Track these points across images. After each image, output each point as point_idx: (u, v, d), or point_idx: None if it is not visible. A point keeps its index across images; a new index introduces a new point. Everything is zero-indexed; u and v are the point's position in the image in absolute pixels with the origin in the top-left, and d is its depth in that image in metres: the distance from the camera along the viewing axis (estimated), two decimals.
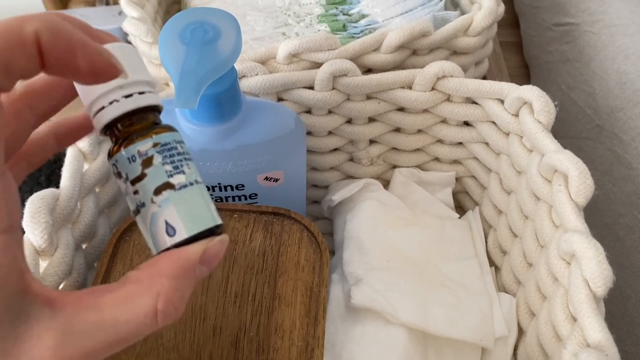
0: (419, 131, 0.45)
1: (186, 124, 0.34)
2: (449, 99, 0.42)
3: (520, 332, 0.37)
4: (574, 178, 0.32)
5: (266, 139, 0.35)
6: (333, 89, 0.41)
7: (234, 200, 0.38)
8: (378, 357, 0.34)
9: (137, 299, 0.19)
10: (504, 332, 0.37)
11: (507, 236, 0.41)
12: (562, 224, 0.33)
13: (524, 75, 0.71)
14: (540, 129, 0.36)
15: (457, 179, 0.48)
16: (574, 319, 0.30)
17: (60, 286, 0.32)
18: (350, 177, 0.48)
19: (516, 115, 0.39)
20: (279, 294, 0.33)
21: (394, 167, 0.48)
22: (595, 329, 0.28)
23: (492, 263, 0.43)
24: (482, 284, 0.40)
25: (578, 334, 0.28)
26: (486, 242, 0.44)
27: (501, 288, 0.41)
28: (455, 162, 0.47)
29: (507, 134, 0.41)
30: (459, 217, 0.46)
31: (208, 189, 0.37)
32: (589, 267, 0.29)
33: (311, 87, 0.41)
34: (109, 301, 0.19)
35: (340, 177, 0.48)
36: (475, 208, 0.46)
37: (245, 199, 0.38)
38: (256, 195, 0.38)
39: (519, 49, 0.74)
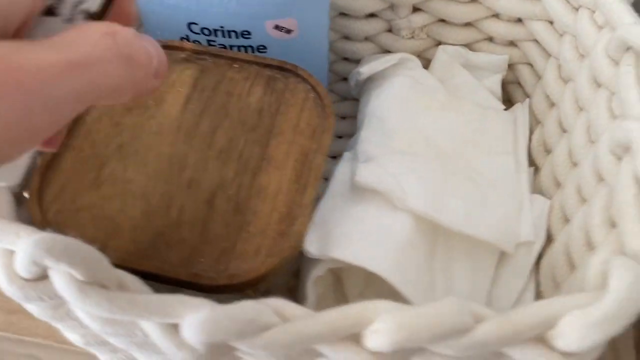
0: (473, 0, 0.38)
1: None
2: None
3: (550, 240, 0.32)
4: None
5: None
6: None
7: (239, 50, 0.33)
8: (376, 243, 0.30)
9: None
10: (529, 238, 0.32)
11: (555, 131, 0.34)
12: (623, 113, 0.26)
13: None
14: None
15: (510, 66, 0.41)
16: (613, 225, 0.24)
17: None
18: (387, 51, 0.42)
19: None
20: (270, 155, 0.28)
21: (439, 44, 0.42)
22: (637, 236, 0.22)
23: (532, 163, 0.37)
24: (515, 182, 0.34)
25: (614, 239, 0.23)
26: (531, 140, 0.38)
27: (538, 190, 0.35)
28: (511, 44, 0.40)
29: (577, 9, 0.33)
30: (505, 109, 0.40)
31: (210, 32, 0.32)
32: None
33: None
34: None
35: (375, 51, 0.43)
36: (525, 101, 0.39)
37: (253, 50, 0.33)
38: (265, 48, 0.33)
39: None
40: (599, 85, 0.30)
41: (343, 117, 0.45)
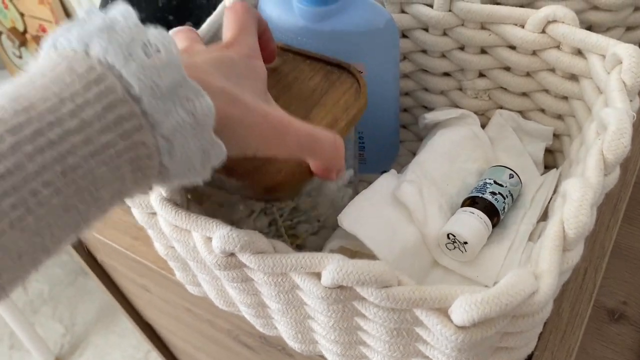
0: (527, 75, 0.45)
1: (297, 4, 0.41)
2: (558, 47, 0.42)
3: None
4: (610, 133, 0.32)
5: (353, 30, 0.40)
6: (449, 10, 0.44)
7: None
8: (389, 237, 0.38)
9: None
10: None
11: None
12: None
13: None
14: (619, 87, 0.35)
15: (557, 136, 0.47)
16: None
17: None
18: (456, 106, 0.51)
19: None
20: (310, 118, 0.38)
21: (499, 107, 0.49)
22: (545, 263, 0.29)
23: (545, 218, 0.42)
24: (514, 231, 0.41)
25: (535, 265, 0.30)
26: (551, 199, 0.43)
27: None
28: (559, 117, 0.46)
29: (601, 93, 0.39)
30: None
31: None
32: None
33: (431, 5, 0.45)
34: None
35: (447, 104, 0.51)
36: (559, 168, 0.45)
37: None
38: None
39: None
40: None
41: (414, 154, 0.54)
